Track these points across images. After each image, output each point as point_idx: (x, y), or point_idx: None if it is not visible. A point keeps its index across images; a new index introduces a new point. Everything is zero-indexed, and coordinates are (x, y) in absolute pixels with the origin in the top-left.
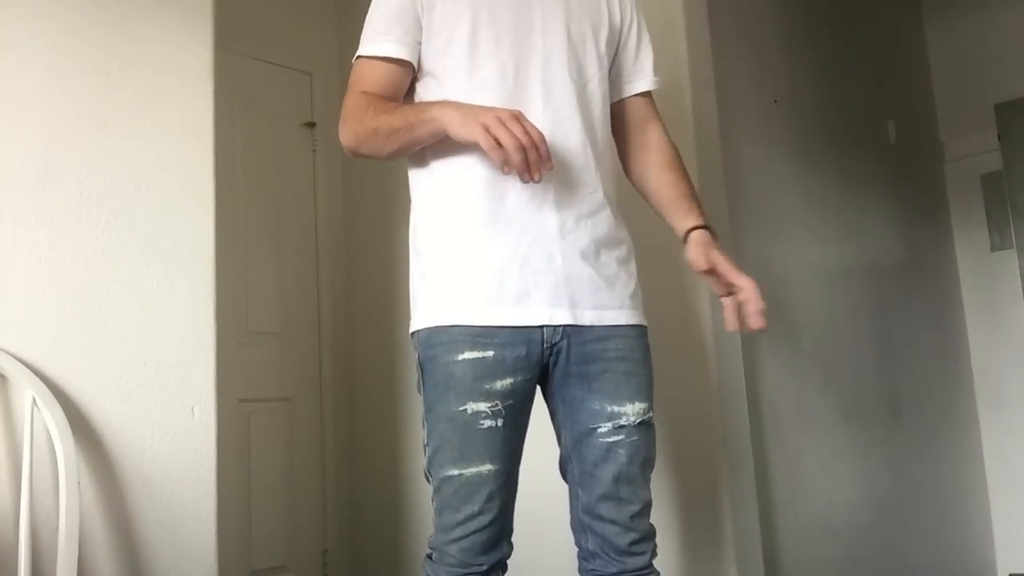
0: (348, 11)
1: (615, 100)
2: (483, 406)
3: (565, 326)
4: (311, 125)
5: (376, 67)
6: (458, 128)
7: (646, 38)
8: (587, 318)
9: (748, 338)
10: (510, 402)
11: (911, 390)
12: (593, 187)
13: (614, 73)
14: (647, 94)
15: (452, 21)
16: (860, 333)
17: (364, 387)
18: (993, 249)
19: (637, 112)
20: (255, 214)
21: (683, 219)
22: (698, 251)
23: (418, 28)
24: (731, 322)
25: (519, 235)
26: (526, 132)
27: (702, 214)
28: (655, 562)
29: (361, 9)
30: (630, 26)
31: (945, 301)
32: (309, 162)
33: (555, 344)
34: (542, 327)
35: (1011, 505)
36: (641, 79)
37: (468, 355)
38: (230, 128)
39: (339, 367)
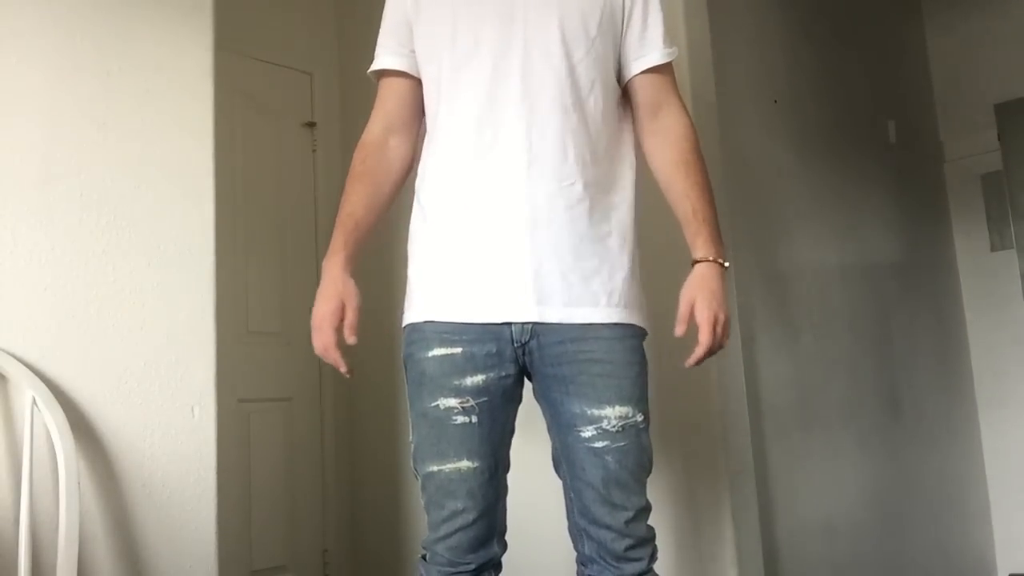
0: (348, 11)
1: (626, 81)
2: (453, 402)
3: (533, 325)
4: (311, 125)
5: (383, 86)
6: None
7: (654, 11)
8: (555, 316)
9: (748, 338)
10: (484, 399)
11: (911, 390)
12: (571, 180)
13: (622, 53)
14: (658, 70)
15: (436, 26)
16: (860, 333)
17: (364, 387)
18: (993, 249)
19: (646, 92)
20: (255, 214)
21: (691, 245)
22: (685, 297)
23: (411, 38)
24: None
25: (489, 233)
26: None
27: (709, 237)
28: (655, 566)
29: (361, 9)
30: (634, 1)
31: (945, 301)
32: (309, 162)
33: (525, 343)
34: (508, 325)
35: (1011, 505)
36: (646, 55)
37: (437, 352)
38: (230, 128)
39: None
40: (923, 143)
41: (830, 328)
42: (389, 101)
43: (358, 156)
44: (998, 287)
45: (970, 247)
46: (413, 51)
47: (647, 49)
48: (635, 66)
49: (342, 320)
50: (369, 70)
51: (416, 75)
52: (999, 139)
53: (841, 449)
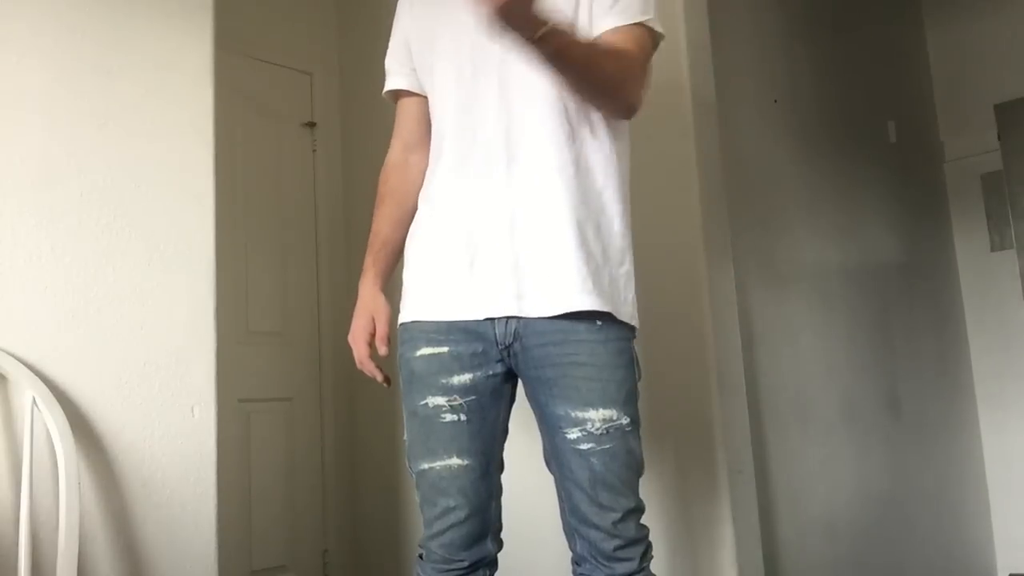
0: (348, 11)
1: None
2: (441, 400)
3: (516, 327)
4: (311, 125)
5: (398, 106)
6: None
7: None
8: (535, 310)
9: (748, 338)
10: (472, 398)
11: (911, 390)
12: (549, 171)
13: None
14: (622, 31)
15: (426, 40)
16: (860, 333)
17: (364, 387)
18: (993, 249)
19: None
20: (255, 214)
21: None
22: None
23: (410, 57)
24: None
25: (472, 234)
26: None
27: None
28: (652, 565)
29: (361, 9)
30: None
31: (945, 301)
32: (309, 162)
33: (509, 346)
34: (492, 324)
35: (1011, 505)
36: (604, 19)
37: (425, 351)
38: (230, 128)
39: (339, 367)
40: (923, 143)
41: (830, 328)
42: (403, 120)
43: (381, 178)
44: (998, 287)
45: (970, 247)
46: (414, 69)
47: (605, 11)
48: (595, 31)
49: (374, 334)
50: (384, 90)
51: (422, 92)
52: (999, 139)
53: (841, 449)
